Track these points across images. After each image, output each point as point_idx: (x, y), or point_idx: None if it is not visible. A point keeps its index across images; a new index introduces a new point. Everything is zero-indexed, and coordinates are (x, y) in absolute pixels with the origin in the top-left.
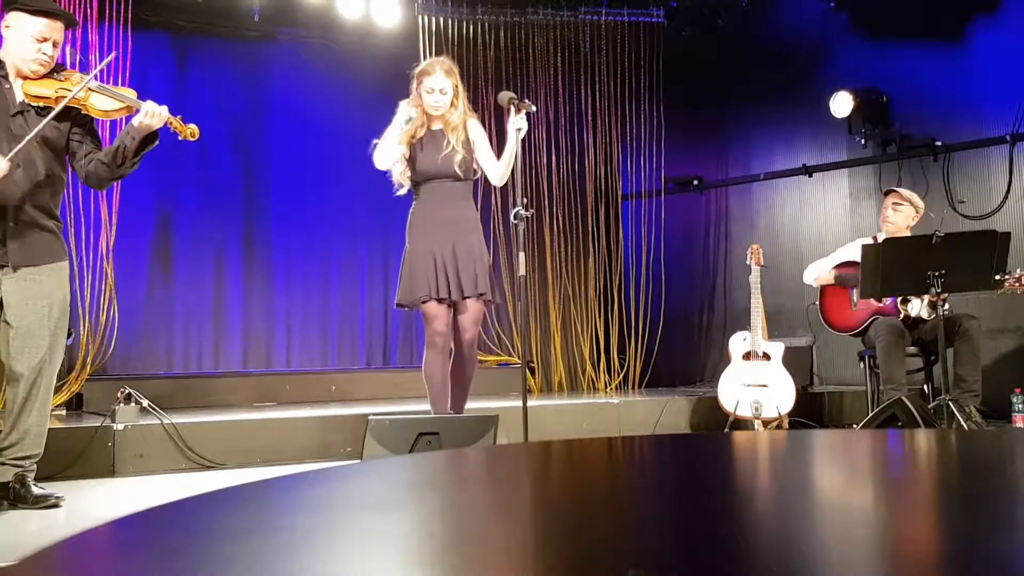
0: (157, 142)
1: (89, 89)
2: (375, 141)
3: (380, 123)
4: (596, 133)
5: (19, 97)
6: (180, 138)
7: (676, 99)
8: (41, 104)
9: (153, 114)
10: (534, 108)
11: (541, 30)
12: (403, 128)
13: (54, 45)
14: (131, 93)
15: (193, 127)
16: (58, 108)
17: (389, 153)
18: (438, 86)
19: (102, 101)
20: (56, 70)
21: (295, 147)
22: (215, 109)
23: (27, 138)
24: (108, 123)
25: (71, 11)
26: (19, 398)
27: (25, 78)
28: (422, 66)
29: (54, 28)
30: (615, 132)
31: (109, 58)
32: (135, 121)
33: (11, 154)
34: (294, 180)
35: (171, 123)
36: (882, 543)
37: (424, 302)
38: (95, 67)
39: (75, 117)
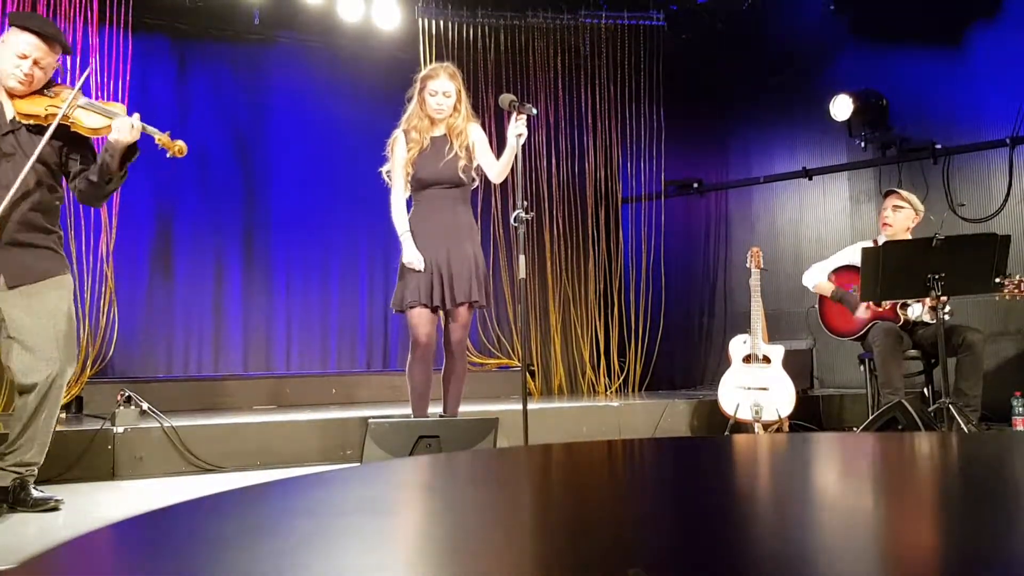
0: (138, 154)
1: (77, 106)
2: (391, 196)
3: (380, 126)
4: (596, 136)
5: (10, 115)
6: (169, 155)
7: (676, 102)
8: (32, 122)
9: (124, 128)
10: (535, 111)
11: (541, 33)
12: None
13: (35, 64)
14: (119, 108)
15: (181, 144)
16: (51, 128)
17: (401, 213)
18: (442, 89)
19: (89, 118)
20: (47, 86)
21: (295, 150)
22: (215, 112)
23: (33, 157)
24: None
25: (72, 14)
26: (29, 408)
27: (14, 96)
28: (426, 70)
29: (38, 47)
30: (615, 135)
31: (87, 72)
32: (110, 138)
33: (41, 145)
34: (294, 183)
35: (160, 140)
36: (883, 546)
37: (412, 307)
38: (85, 81)
39: (68, 134)
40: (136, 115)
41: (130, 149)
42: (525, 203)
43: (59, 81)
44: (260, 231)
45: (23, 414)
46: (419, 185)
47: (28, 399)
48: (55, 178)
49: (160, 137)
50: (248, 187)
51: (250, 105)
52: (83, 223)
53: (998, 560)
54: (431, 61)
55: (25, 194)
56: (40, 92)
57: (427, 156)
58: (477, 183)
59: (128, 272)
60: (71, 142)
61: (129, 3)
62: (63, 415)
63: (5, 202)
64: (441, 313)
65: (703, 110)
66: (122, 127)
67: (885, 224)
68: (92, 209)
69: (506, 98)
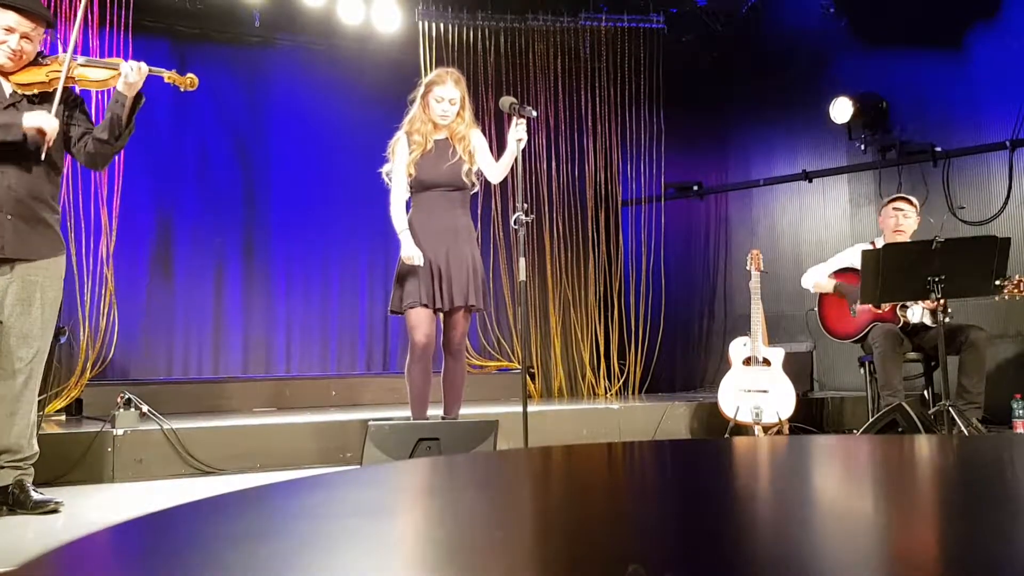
0: (144, 101)
1: (80, 65)
2: (390, 192)
3: (380, 128)
4: (596, 139)
5: (8, 89)
6: (182, 89)
7: (676, 105)
8: (35, 91)
9: (133, 71)
10: (535, 114)
11: (541, 36)
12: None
13: (23, 38)
14: (118, 61)
15: (191, 76)
16: (60, 89)
17: (400, 213)
18: (448, 96)
19: (93, 72)
20: (40, 56)
21: (295, 152)
22: (216, 114)
23: (58, 90)
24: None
25: (72, 16)
26: (12, 397)
27: (7, 72)
28: (432, 76)
29: (22, 23)
30: (615, 138)
31: (75, 30)
32: (119, 86)
33: (53, 110)
34: (294, 185)
35: (169, 77)
36: (883, 549)
37: (411, 307)
38: (74, 49)
39: (67, 101)
40: (142, 63)
41: (136, 98)
42: (525, 206)
43: (48, 53)
44: (260, 233)
45: (8, 398)
46: (420, 187)
47: (15, 383)
48: (58, 149)
49: (169, 74)
50: (248, 189)
51: (250, 107)
52: (83, 225)
53: (998, 563)
54: (431, 64)
55: (33, 166)
56: (34, 63)
57: (430, 158)
58: (477, 187)
59: (128, 274)
60: (71, 107)
61: (129, 5)
62: (63, 417)
63: (10, 172)
64: (440, 315)
65: (703, 113)
66: (131, 68)
67: (898, 231)
68: (92, 211)
69: (506, 101)
